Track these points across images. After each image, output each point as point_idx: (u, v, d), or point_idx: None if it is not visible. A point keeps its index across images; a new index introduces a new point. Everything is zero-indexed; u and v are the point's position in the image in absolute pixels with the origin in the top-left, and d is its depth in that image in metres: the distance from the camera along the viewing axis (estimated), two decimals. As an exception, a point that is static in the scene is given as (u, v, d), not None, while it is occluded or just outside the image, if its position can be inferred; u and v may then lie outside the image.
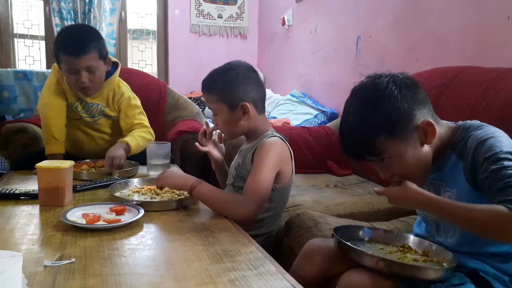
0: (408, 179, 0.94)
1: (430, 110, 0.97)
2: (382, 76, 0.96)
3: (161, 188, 1.31)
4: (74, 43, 1.64)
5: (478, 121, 0.97)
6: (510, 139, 0.90)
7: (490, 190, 0.84)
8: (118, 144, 1.72)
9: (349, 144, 0.98)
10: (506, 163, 0.82)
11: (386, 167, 0.97)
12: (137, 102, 1.90)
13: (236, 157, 1.44)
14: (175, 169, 1.39)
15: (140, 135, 1.81)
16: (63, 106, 1.78)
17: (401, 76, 0.95)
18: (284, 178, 1.31)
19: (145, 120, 1.90)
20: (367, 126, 0.93)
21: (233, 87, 1.30)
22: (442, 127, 0.98)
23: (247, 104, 1.30)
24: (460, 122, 0.99)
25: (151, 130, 1.91)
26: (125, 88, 1.88)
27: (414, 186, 0.91)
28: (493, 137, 0.88)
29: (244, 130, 1.35)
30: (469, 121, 0.98)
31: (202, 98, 3.32)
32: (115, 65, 1.85)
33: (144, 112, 1.92)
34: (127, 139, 1.74)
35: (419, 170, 0.97)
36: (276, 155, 1.25)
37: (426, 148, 0.95)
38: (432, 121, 0.93)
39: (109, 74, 1.80)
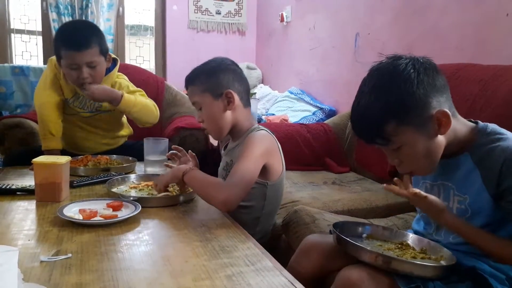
0: (416, 170, 0.94)
1: (448, 99, 0.92)
2: (401, 58, 0.92)
3: (165, 190, 1.27)
4: (76, 37, 1.62)
5: (497, 126, 0.94)
6: None
7: None
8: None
9: (359, 125, 0.95)
10: None
11: (395, 153, 0.94)
12: (136, 88, 1.86)
13: (222, 159, 1.43)
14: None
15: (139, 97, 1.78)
16: (59, 102, 1.77)
17: (421, 60, 0.91)
18: (274, 174, 1.31)
19: (146, 97, 1.87)
20: (379, 108, 0.89)
21: (216, 76, 1.30)
22: (459, 122, 0.95)
23: (232, 92, 1.29)
24: (480, 123, 0.96)
25: (154, 104, 1.87)
26: (123, 81, 1.86)
27: (445, 214, 0.92)
28: None
29: (230, 123, 1.32)
30: (489, 125, 0.94)
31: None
32: (114, 61, 1.84)
33: (144, 93, 1.88)
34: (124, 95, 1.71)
35: (429, 162, 0.93)
36: (263, 146, 1.25)
37: (440, 138, 0.91)
38: (448, 112, 0.89)
39: (108, 70, 1.79)
